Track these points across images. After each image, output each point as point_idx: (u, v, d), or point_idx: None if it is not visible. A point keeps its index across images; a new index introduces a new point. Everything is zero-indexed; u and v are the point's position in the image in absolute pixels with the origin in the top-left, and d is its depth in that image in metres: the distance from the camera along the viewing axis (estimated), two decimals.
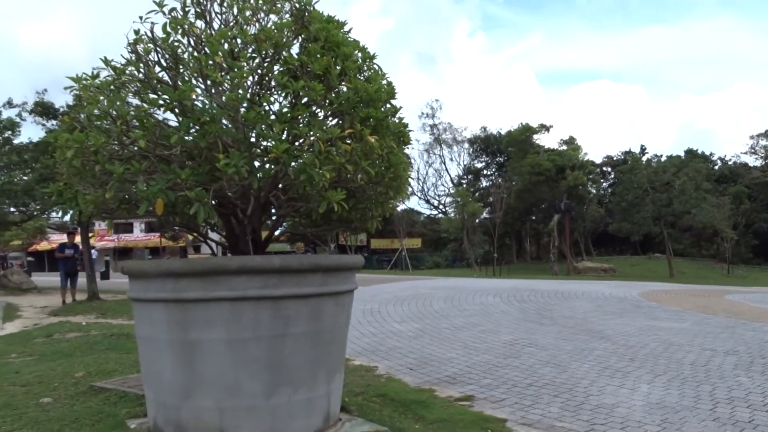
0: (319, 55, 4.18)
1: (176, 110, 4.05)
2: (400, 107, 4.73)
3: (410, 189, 4.97)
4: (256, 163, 4.23)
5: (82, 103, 13.29)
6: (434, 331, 9.82)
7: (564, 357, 7.59)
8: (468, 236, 47.37)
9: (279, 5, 4.58)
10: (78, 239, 17.75)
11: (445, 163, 59.64)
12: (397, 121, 4.64)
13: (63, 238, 43.68)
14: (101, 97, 4.23)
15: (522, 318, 11.13)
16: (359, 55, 4.50)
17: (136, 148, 3.90)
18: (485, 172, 61.74)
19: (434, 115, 53.90)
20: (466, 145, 59.50)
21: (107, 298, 16.98)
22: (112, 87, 4.15)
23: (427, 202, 56.88)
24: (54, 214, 27.85)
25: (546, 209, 48.66)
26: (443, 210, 57.94)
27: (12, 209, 22.31)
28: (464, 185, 55.99)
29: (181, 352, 4.07)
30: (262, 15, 4.55)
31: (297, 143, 4.03)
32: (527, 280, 22.94)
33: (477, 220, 50.03)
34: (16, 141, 20.97)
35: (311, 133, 3.84)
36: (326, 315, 4.29)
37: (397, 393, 5.86)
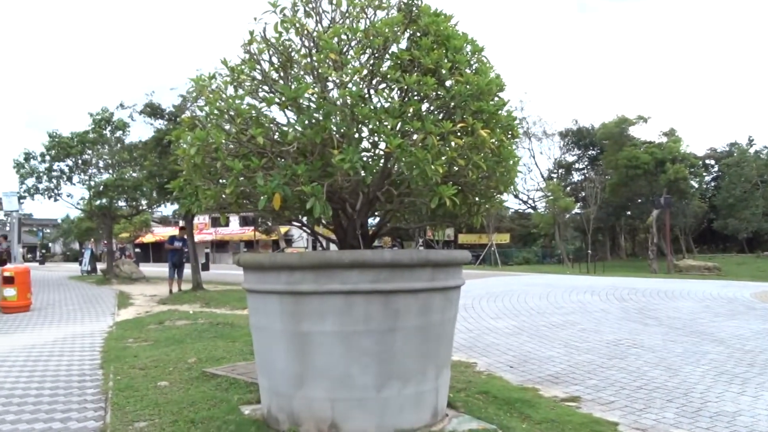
0: (429, 49, 4.16)
1: (290, 108, 4.15)
2: (508, 100, 4.65)
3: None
4: (365, 158, 4.28)
5: (186, 103, 13.88)
6: (531, 328, 9.63)
7: (674, 360, 7.23)
8: (559, 232, 46.09)
9: (386, 1, 4.60)
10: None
11: (534, 157, 58.01)
12: (505, 114, 4.55)
13: (166, 230, 46.09)
14: (215, 96, 4.41)
15: (624, 317, 10.70)
16: (468, 48, 4.45)
17: (254, 145, 4.02)
18: (577, 165, 59.82)
19: (523, 108, 52.57)
20: (557, 138, 57.84)
21: (209, 288, 17.79)
22: (230, 87, 4.30)
23: (516, 196, 55.73)
24: (159, 209, 29.56)
25: (643, 204, 46.51)
26: (532, 205, 56.61)
27: (122, 204, 23.84)
28: (555, 179, 54.47)
29: (295, 343, 4.19)
30: (371, 11, 4.58)
31: (408, 138, 4.03)
32: (625, 278, 22.03)
33: (568, 215, 48.55)
34: (126, 140, 22.42)
35: (423, 127, 3.83)
36: (435, 310, 4.28)
37: (499, 391, 5.78)
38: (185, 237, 18.18)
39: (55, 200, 22.61)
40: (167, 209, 34.68)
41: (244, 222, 51.69)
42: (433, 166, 3.75)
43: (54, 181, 22.10)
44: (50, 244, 70.84)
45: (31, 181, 21.78)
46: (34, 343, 9.14)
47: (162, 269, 18.57)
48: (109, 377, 6.53)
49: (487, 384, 6.08)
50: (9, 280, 13.24)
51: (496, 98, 4.51)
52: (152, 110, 17.89)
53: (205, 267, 30.88)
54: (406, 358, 4.15)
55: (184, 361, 7.17)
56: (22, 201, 21.95)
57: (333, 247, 5.33)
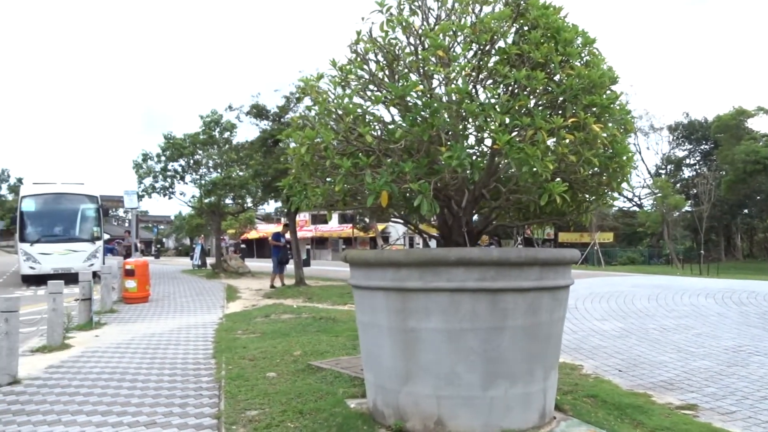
0: (538, 43, 4.07)
1: (397, 106, 4.18)
2: (621, 93, 4.47)
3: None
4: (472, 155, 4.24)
5: (289, 104, 14.30)
6: (640, 331, 9.19)
7: None
8: (668, 231, 43.72)
9: None
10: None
11: (640, 153, 55.25)
12: (618, 107, 4.37)
13: (268, 227, 47.76)
14: (324, 96, 4.52)
15: (743, 322, 9.99)
16: (579, 40, 4.31)
17: (362, 144, 4.09)
18: (688, 161, 56.48)
19: (628, 101, 50.19)
20: (665, 133, 54.92)
21: (311, 283, 18.30)
22: (339, 87, 4.40)
23: (620, 194, 53.15)
24: (262, 206, 30.75)
25: (763, 202, 43.31)
26: (638, 203, 54.00)
27: (229, 201, 25.00)
28: (663, 176, 51.71)
29: (400, 339, 4.22)
30: (477, 7, 4.54)
31: (517, 133, 3.95)
32: (742, 281, 20.53)
33: (677, 214, 45.92)
34: (234, 141, 23.50)
35: (533, 123, 3.75)
36: (543, 310, 4.19)
37: (608, 395, 5.56)
38: (286, 234, 18.79)
39: (170, 198, 24.05)
40: (270, 206, 36.01)
41: (343, 219, 52.75)
42: (542, 163, 3.66)
43: (168, 180, 23.50)
44: (164, 240, 75.46)
45: (148, 181, 23.30)
46: (153, 332, 9.77)
47: (266, 264, 19.25)
48: (222, 367, 6.86)
49: (595, 387, 5.87)
50: (130, 273, 14.23)
51: (609, 91, 4.35)
52: (258, 111, 18.61)
53: (306, 263, 31.73)
54: (514, 357, 4.09)
55: (290, 353, 7.42)
56: (140, 199, 23.51)
57: (433, 243, 5.34)
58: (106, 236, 28.45)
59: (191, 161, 23.62)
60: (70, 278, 14.64)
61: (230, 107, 20.64)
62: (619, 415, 4.97)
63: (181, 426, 4.82)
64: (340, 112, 4.25)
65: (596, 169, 4.18)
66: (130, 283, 14.23)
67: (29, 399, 5.69)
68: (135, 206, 21.17)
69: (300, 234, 47.86)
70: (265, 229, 51.32)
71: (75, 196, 21.89)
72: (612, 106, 4.20)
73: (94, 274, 14.48)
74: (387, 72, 4.61)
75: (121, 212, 63.96)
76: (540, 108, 4.18)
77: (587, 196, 4.59)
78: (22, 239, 20.56)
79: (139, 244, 21.99)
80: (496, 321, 4.02)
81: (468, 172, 4.05)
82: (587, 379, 6.32)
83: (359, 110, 4.25)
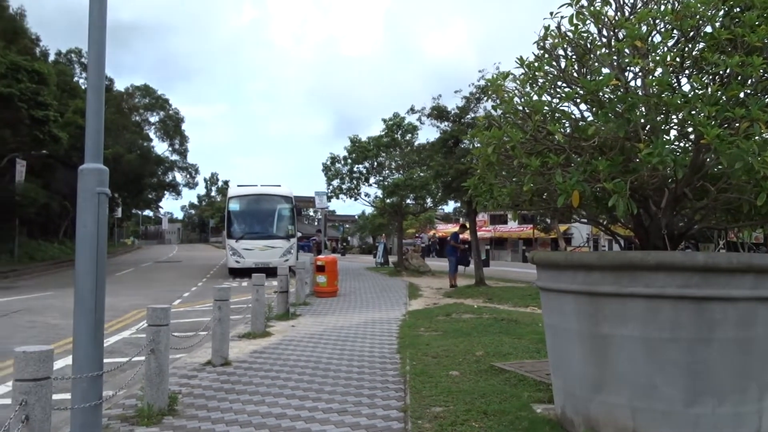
0: (754, 25, 3.65)
1: (590, 102, 4.01)
2: None
3: None
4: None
5: (470, 105, 14.23)
6: None
7: None
8: None
9: None
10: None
11: None
12: None
13: (447, 227, 48.31)
14: (511, 94, 4.45)
15: None
16: None
17: (551, 142, 3.98)
18: None
19: None
20: None
21: (491, 284, 18.17)
22: (527, 85, 4.32)
23: None
24: (442, 206, 31.19)
25: None
26: None
27: (410, 201, 25.72)
28: None
29: (592, 345, 4.04)
30: None
31: (727, 126, 3.59)
32: None
33: None
34: (415, 143, 24.17)
35: (749, 114, 3.37)
36: (759, 322, 3.75)
37: None
38: (462, 234, 18.85)
39: (355, 200, 25.38)
40: (448, 206, 36.41)
41: (523, 220, 51.69)
42: (760, 158, 3.28)
43: (354, 181, 24.80)
44: (349, 238, 79.51)
45: (336, 182, 24.80)
46: (342, 325, 10.35)
47: (446, 264, 19.45)
48: (406, 362, 7.06)
49: None
50: (321, 269, 15.22)
51: None
52: (438, 113, 18.88)
53: (486, 263, 31.59)
54: (722, 373, 3.71)
55: (472, 353, 7.42)
56: (329, 199, 25.11)
57: (617, 246, 5.02)
58: (299, 234, 30.77)
59: (375, 163, 24.66)
60: (269, 272, 16.02)
61: (412, 109, 21.19)
62: None
63: (370, 416, 5.05)
64: (527, 110, 4.17)
65: None
66: (321, 278, 15.21)
67: (238, 379, 6.32)
68: (325, 206, 22.59)
69: (479, 234, 47.76)
70: (444, 229, 51.96)
71: (273, 197, 23.94)
72: None
73: (290, 269, 15.72)
74: (577, 67, 4.44)
75: (311, 212, 68.53)
76: (755, 97, 3.75)
77: None
78: (229, 236, 22.94)
79: (329, 242, 23.49)
80: (701, 332, 3.68)
81: (669, 169, 3.75)
82: None
83: (547, 108, 4.13)
